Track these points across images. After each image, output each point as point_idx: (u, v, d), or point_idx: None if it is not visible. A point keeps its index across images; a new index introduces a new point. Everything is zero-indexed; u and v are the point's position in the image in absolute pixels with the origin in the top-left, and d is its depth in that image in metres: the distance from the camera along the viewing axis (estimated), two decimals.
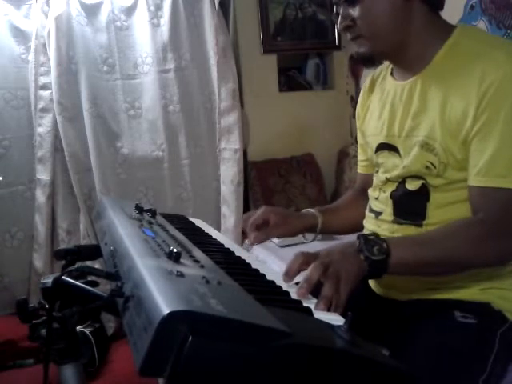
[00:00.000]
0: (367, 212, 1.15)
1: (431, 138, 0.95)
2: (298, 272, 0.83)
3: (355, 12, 0.97)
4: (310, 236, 1.22)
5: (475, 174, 0.91)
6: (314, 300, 0.76)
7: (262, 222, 1.11)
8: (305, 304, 0.72)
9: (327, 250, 0.85)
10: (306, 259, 0.82)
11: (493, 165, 0.89)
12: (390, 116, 1.05)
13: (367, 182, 1.21)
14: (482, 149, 0.90)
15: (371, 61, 1.04)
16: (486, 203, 0.91)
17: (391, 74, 1.10)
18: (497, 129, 0.88)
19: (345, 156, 2.75)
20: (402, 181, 1.03)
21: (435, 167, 0.95)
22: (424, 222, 0.99)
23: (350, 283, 0.79)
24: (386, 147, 1.07)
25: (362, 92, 1.23)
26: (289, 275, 0.83)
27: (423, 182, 0.99)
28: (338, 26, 1.01)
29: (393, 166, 1.05)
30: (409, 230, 1.01)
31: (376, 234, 0.87)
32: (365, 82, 1.23)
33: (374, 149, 1.11)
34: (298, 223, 1.16)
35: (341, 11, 0.99)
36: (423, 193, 0.99)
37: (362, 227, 1.21)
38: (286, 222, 1.13)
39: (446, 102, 0.93)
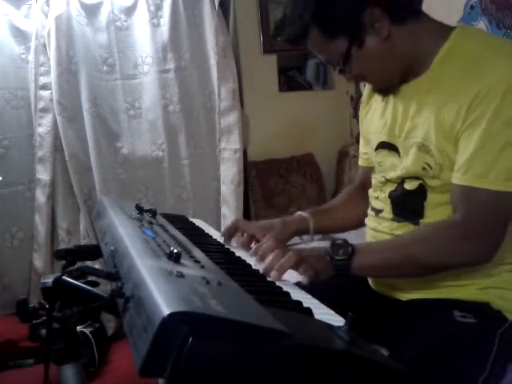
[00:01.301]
0: (369, 210, 1.15)
1: (427, 139, 0.95)
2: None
3: (351, 69, 0.98)
4: (306, 237, 1.23)
5: (456, 171, 0.92)
6: (315, 300, 0.76)
7: (234, 230, 1.17)
8: (305, 305, 0.72)
9: (300, 247, 0.99)
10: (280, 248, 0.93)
11: (472, 163, 0.89)
12: (392, 116, 1.05)
13: (368, 175, 1.21)
14: (466, 146, 0.90)
15: (390, 91, 1.05)
16: (464, 204, 0.91)
17: None
18: (481, 127, 0.87)
19: (345, 156, 2.75)
20: (400, 181, 1.03)
21: (431, 168, 0.96)
22: (421, 221, 1.00)
23: (313, 270, 0.90)
24: (386, 146, 1.07)
25: (367, 86, 1.22)
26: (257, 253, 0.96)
27: (421, 182, 0.99)
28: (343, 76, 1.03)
29: (391, 166, 1.05)
30: (407, 228, 1.02)
31: (345, 241, 0.94)
32: None
33: (375, 147, 1.11)
34: (285, 230, 1.17)
35: (336, 69, 1.00)
36: (420, 192, 0.99)
37: (357, 224, 1.22)
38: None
39: (443, 105, 0.93)
